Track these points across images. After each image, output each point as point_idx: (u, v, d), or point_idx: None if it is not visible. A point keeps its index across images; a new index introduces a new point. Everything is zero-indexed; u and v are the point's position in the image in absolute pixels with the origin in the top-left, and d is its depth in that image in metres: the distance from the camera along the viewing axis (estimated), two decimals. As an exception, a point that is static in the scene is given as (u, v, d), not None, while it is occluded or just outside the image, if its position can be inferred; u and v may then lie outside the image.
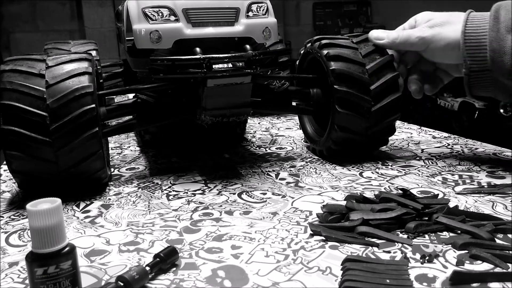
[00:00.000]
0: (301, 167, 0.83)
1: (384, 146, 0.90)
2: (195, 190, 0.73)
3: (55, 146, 0.65)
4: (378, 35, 0.82)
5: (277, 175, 0.79)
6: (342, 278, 0.45)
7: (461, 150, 0.90)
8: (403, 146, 0.95)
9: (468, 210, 0.61)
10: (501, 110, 2.10)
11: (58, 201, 0.39)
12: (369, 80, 0.79)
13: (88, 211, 0.66)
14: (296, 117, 1.13)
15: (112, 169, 0.86)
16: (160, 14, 0.73)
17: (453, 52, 0.74)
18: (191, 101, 0.80)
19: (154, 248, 0.54)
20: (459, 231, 0.54)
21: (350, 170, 0.80)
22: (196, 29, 0.74)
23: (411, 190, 0.65)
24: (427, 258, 0.48)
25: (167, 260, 0.49)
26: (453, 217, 0.56)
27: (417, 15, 0.81)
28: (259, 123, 1.23)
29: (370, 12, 4.03)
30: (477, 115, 2.17)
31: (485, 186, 0.69)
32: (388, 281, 0.44)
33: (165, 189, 0.74)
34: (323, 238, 0.54)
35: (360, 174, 0.78)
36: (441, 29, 0.75)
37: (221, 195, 0.71)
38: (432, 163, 0.82)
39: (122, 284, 0.44)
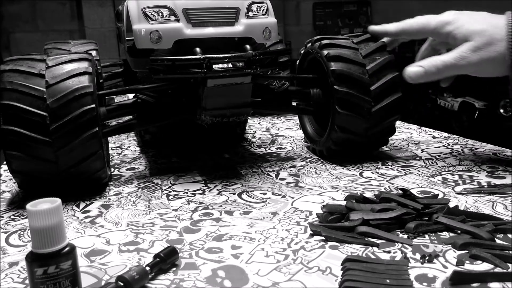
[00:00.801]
0: (301, 167, 0.83)
1: (384, 146, 0.90)
2: (195, 190, 0.73)
3: (55, 146, 0.65)
4: (414, 71, 0.74)
5: (277, 175, 0.79)
6: (342, 278, 0.45)
7: (461, 150, 0.90)
8: (403, 146, 0.95)
9: (468, 210, 0.61)
10: (501, 110, 2.10)
11: (58, 201, 0.39)
12: (369, 81, 0.79)
13: (88, 211, 0.66)
14: (296, 117, 1.13)
15: (112, 169, 0.86)
16: (160, 14, 0.73)
17: (498, 68, 0.71)
18: (191, 101, 0.80)
19: (154, 248, 0.54)
20: (459, 231, 0.54)
21: (350, 170, 0.80)
22: (196, 29, 0.74)
23: (411, 190, 0.65)
24: (427, 258, 0.48)
25: (167, 260, 0.49)
26: (453, 217, 0.56)
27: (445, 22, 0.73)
28: (259, 123, 1.23)
29: (370, 12, 4.03)
30: (477, 115, 2.17)
31: (485, 186, 0.69)
32: (388, 281, 0.44)
33: (165, 189, 0.74)
34: (323, 238, 0.54)
35: (360, 174, 0.78)
36: (486, 52, 0.69)
37: (221, 195, 0.71)
38: (432, 163, 0.82)
39: (122, 284, 0.44)
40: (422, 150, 0.91)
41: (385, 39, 0.84)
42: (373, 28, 0.84)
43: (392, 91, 0.81)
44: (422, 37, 0.81)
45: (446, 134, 1.03)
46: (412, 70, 0.75)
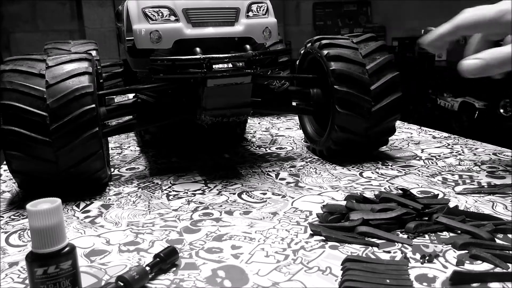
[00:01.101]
0: (301, 167, 0.83)
1: (384, 146, 0.90)
2: (195, 190, 0.73)
3: (55, 146, 0.65)
4: (473, 64, 0.66)
5: (277, 175, 0.79)
6: (342, 278, 0.45)
7: (461, 150, 0.90)
8: (403, 146, 0.95)
9: (468, 210, 0.61)
10: (501, 110, 2.10)
11: (58, 201, 0.39)
12: (369, 81, 0.79)
13: (88, 211, 0.66)
14: (296, 117, 1.13)
15: (112, 169, 0.86)
16: (160, 14, 0.73)
17: None
18: (191, 101, 0.80)
19: (154, 248, 0.54)
20: (459, 231, 0.54)
21: (350, 170, 0.80)
22: (196, 29, 0.74)
23: (411, 190, 0.65)
24: (427, 258, 0.48)
25: (167, 260, 0.49)
26: (453, 217, 0.56)
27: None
28: (259, 123, 1.23)
29: (370, 12, 4.03)
30: (477, 115, 2.17)
31: (485, 186, 0.69)
32: (388, 281, 0.44)
33: (165, 189, 0.74)
34: (323, 238, 0.54)
35: (360, 174, 0.78)
36: None
37: (221, 195, 0.71)
38: (432, 163, 0.82)
39: (122, 284, 0.44)
40: (422, 150, 0.91)
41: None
42: (426, 39, 0.74)
43: (392, 90, 0.81)
44: (477, 32, 0.74)
45: (446, 134, 1.03)
46: (471, 63, 0.67)
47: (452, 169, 0.78)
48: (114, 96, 1.00)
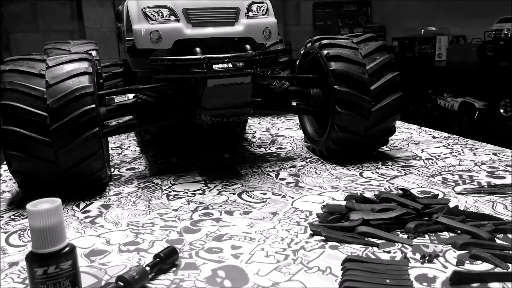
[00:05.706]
0: (301, 167, 0.83)
1: (384, 146, 0.90)
2: (195, 190, 0.73)
3: (55, 146, 0.65)
4: None
5: (277, 175, 0.79)
6: (342, 278, 0.45)
7: (461, 150, 0.90)
8: (403, 146, 0.95)
9: (468, 210, 0.61)
10: (501, 110, 2.10)
11: (58, 201, 0.39)
12: (369, 80, 0.79)
13: (88, 211, 0.66)
14: (296, 117, 1.13)
15: (112, 169, 0.86)
16: (160, 14, 0.73)
17: None
18: (191, 101, 0.80)
19: (154, 248, 0.54)
20: (459, 231, 0.54)
21: (350, 170, 0.80)
22: (196, 29, 0.74)
23: (411, 190, 0.65)
24: (427, 258, 0.48)
25: (167, 260, 0.49)
26: (453, 217, 0.56)
27: None
28: (259, 123, 1.23)
29: (370, 12, 4.03)
30: (477, 115, 2.17)
31: (485, 186, 0.69)
32: (388, 281, 0.44)
33: (165, 189, 0.74)
34: (323, 238, 0.54)
35: (360, 174, 0.78)
36: None
37: (221, 195, 0.71)
38: (432, 163, 0.82)
39: (122, 284, 0.44)
40: (422, 150, 0.91)
41: None
42: None
43: (392, 90, 0.81)
44: None
45: (446, 134, 1.03)
46: None
47: (452, 169, 0.78)
48: (114, 96, 1.00)
